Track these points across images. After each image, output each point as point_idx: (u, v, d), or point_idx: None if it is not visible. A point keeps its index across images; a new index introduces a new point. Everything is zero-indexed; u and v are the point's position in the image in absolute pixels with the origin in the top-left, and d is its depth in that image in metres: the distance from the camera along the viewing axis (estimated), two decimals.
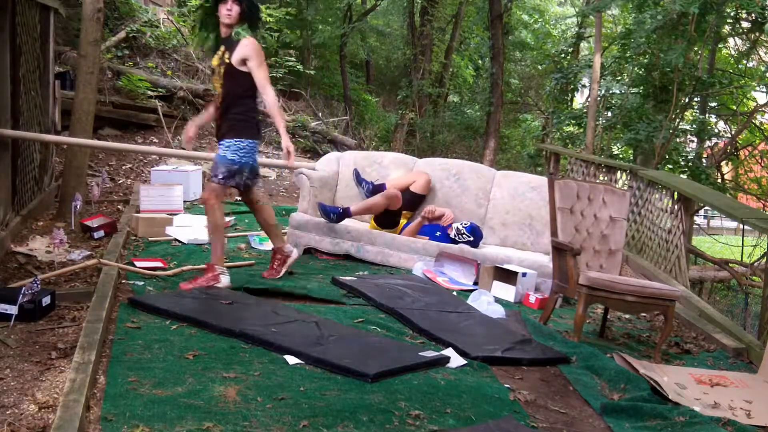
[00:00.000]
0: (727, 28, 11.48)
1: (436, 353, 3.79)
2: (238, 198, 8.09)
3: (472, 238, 5.77)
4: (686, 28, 9.98)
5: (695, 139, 13.45)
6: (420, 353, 3.74)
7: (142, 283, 4.66)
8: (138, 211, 6.59)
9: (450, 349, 3.90)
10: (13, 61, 5.37)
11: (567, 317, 5.02)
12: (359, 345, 3.79)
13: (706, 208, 11.29)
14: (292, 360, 3.53)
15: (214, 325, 3.86)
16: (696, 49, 10.59)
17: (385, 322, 4.28)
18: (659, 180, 6.57)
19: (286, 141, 4.68)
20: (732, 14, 10.63)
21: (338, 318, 4.29)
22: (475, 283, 5.48)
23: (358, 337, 3.95)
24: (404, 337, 4.10)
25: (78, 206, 6.04)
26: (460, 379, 3.51)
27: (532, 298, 5.24)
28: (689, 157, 12.38)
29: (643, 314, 5.35)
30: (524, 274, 5.28)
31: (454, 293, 5.21)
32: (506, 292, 5.28)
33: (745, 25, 11.34)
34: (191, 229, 6.24)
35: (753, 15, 10.17)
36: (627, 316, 5.30)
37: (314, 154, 11.45)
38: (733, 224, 15.58)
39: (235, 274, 4.98)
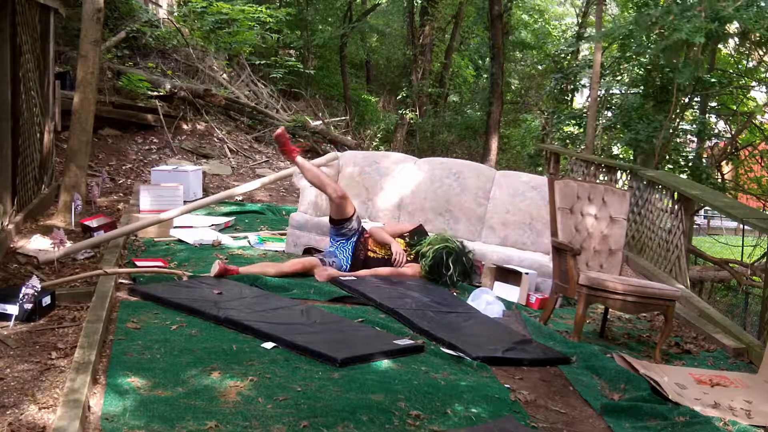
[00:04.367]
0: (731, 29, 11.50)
1: (411, 341, 3.91)
2: (239, 198, 8.09)
3: None
4: (690, 49, 10.05)
5: (695, 139, 13.45)
6: (395, 341, 3.87)
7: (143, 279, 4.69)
8: (138, 212, 6.60)
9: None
10: (13, 61, 5.37)
11: (567, 317, 5.02)
12: (337, 332, 3.95)
13: (706, 208, 11.29)
14: (269, 345, 3.66)
15: (203, 312, 4.05)
16: (695, 48, 10.61)
17: (385, 322, 4.28)
18: (659, 180, 6.57)
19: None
20: (736, 28, 10.65)
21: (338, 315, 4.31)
22: (479, 283, 5.49)
23: (340, 325, 4.09)
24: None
25: (78, 206, 6.04)
26: (460, 379, 3.51)
27: (532, 298, 5.24)
28: (689, 157, 12.39)
29: (643, 314, 5.34)
30: (526, 274, 5.27)
31: (455, 293, 5.21)
32: (509, 292, 5.28)
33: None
34: (196, 230, 6.25)
35: (757, 35, 10.18)
36: (627, 316, 5.30)
37: (314, 154, 11.45)
38: (733, 224, 15.58)
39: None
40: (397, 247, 5.43)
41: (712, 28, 8.31)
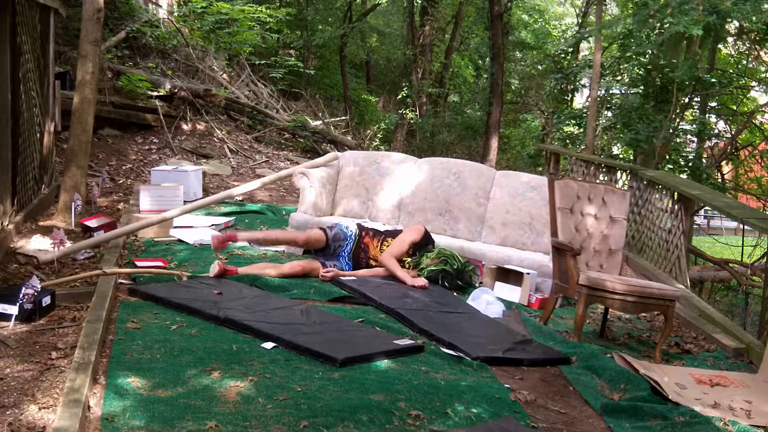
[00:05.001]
0: (731, 29, 11.52)
1: (411, 341, 3.91)
2: (239, 198, 8.10)
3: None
4: (689, 43, 10.05)
5: (695, 139, 13.44)
6: (395, 341, 3.87)
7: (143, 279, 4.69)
8: (138, 212, 6.59)
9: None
10: (13, 61, 5.37)
11: (567, 317, 5.02)
12: (337, 332, 3.95)
13: (706, 208, 11.28)
14: (269, 345, 3.67)
15: (203, 312, 4.05)
16: (695, 43, 10.62)
17: (385, 322, 4.28)
18: (659, 180, 6.57)
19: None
20: (734, 23, 10.65)
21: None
22: (480, 283, 5.49)
23: (340, 325, 4.09)
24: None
25: (78, 206, 6.04)
26: (460, 379, 3.51)
27: (532, 298, 5.24)
28: (689, 157, 12.38)
29: (643, 314, 5.34)
30: (528, 274, 5.27)
31: (455, 293, 5.21)
32: (510, 292, 5.28)
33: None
34: (196, 230, 6.25)
35: (754, 30, 10.18)
36: (627, 316, 5.30)
37: (314, 154, 11.46)
38: (733, 224, 15.58)
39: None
40: (404, 274, 5.25)
41: (710, 20, 8.31)
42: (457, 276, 5.34)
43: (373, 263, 5.42)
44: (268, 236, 5.37)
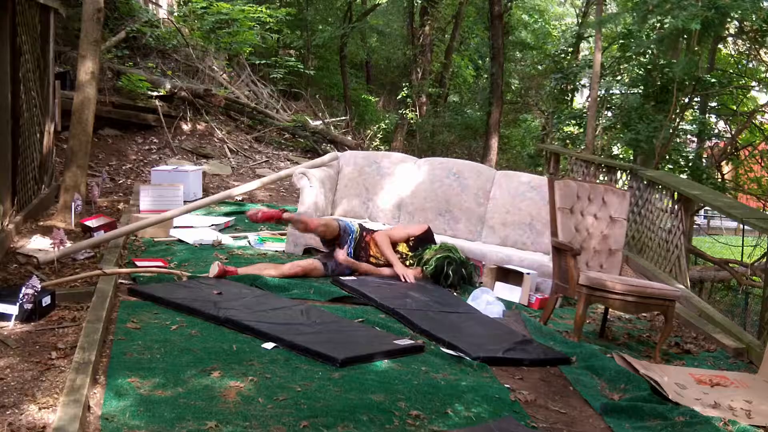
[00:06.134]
0: (730, 28, 11.52)
1: (411, 341, 3.91)
2: (239, 198, 8.09)
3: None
4: (689, 40, 10.05)
5: (695, 139, 13.44)
6: (395, 341, 3.87)
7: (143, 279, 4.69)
8: (138, 212, 6.60)
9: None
10: (13, 61, 5.37)
11: (567, 317, 5.02)
12: (337, 332, 3.95)
13: (706, 208, 11.28)
14: (269, 345, 3.67)
15: (203, 312, 4.05)
16: (696, 49, 10.61)
17: (385, 322, 4.28)
18: (659, 180, 6.57)
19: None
20: (734, 23, 10.66)
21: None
22: (480, 283, 5.49)
23: (340, 325, 4.09)
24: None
25: (78, 206, 6.04)
26: (460, 379, 3.51)
27: (532, 298, 5.24)
28: (689, 157, 12.38)
29: (643, 314, 5.34)
30: (528, 275, 5.27)
31: (455, 293, 5.21)
32: (510, 292, 5.28)
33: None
34: (196, 230, 6.25)
35: (754, 27, 10.19)
36: (627, 316, 5.30)
37: (314, 154, 11.46)
38: (733, 224, 15.58)
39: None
40: (401, 268, 5.30)
41: (708, 15, 8.31)
42: (460, 265, 5.37)
43: (373, 261, 5.44)
44: (307, 221, 5.34)
